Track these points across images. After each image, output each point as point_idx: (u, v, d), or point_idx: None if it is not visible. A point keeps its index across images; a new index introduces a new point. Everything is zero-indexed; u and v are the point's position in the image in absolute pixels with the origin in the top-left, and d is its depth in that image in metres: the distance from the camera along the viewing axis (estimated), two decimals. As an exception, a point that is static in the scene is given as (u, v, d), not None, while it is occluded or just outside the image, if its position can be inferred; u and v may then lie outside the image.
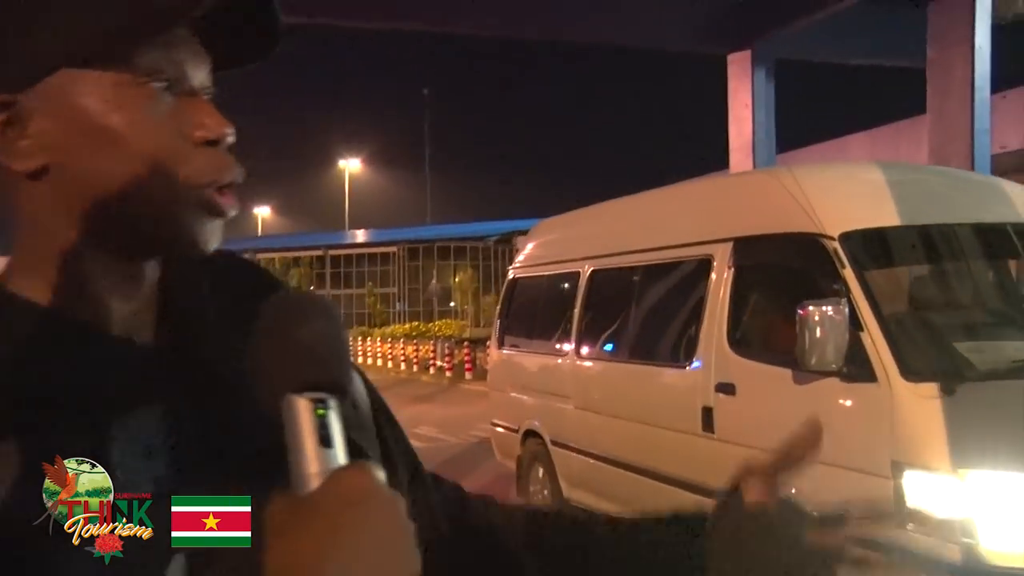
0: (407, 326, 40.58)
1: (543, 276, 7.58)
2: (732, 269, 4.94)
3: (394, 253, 59.43)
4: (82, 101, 0.70)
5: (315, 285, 57.02)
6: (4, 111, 0.71)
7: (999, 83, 11.40)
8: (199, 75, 0.75)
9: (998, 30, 10.26)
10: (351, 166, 76.54)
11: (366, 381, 0.96)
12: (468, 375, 23.34)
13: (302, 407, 0.64)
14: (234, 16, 0.75)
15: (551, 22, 11.67)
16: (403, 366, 28.96)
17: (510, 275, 8.15)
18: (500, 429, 7.94)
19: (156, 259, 0.78)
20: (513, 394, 7.62)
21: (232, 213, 0.76)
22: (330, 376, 0.66)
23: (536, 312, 7.56)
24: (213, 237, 0.76)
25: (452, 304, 53.44)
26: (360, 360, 33.80)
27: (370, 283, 56.60)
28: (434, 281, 54.16)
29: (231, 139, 0.75)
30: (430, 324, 40.34)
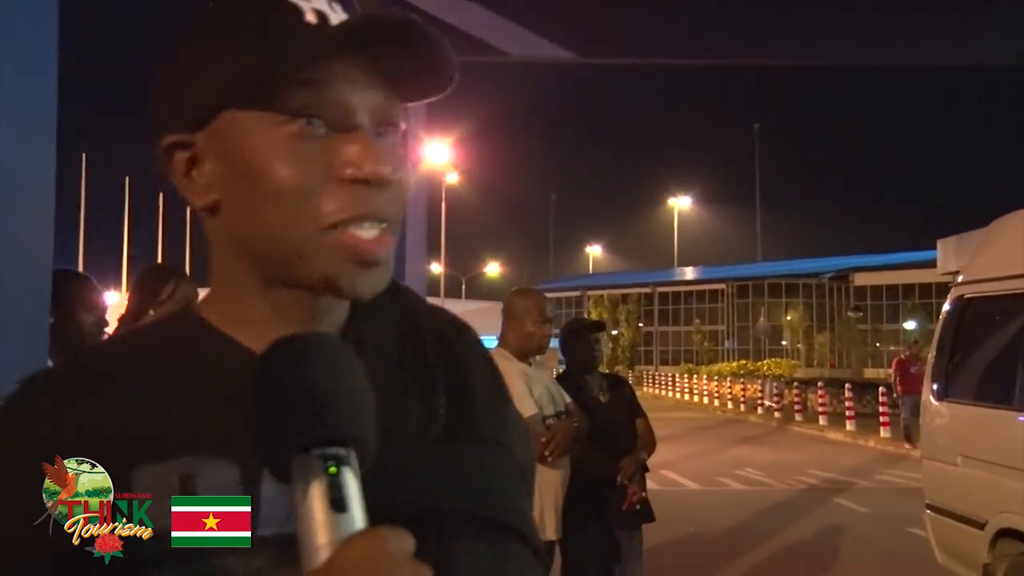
0: (735, 364, 39.73)
1: None
2: None
3: (723, 290, 58.53)
4: (238, 140, 0.72)
5: (643, 322, 57.65)
6: (187, 150, 0.76)
7: None
8: (363, 112, 0.73)
9: None
10: (680, 204, 76.84)
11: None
12: (798, 417, 22.33)
13: (309, 466, 0.56)
14: (397, 50, 0.72)
15: (896, 48, 10.98)
16: (730, 405, 28.35)
17: (953, 295, 5.75)
18: (944, 517, 5.43)
19: (321, 298, 0.76)
20: (969, 469, 5.18)
21: (375, 259, 0.73)
22: (340, 427, 0.58)
23: (1016, 349, 5.17)
24: (360, 284, 0.73)
25: (783, 343, 51.53)
26: (686, 398, 33.61)
27: (697, 320, 56.13)
28: (763, 319, 52.55)
29: (385, 178, 0.72)
30: (758, 363, 39.19)
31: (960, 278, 5.77)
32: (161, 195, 36.51)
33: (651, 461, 4.36)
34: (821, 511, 9.88)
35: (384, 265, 0.74)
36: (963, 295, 5.61)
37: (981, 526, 4.94)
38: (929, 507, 5.59)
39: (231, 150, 0.73)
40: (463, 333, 0.90)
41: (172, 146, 0.76)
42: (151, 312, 3.63)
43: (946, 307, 5.81)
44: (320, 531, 0.55)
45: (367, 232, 0.72)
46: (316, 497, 0.55)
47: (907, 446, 15.54)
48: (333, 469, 0.56)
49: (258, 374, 0.60)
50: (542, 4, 10.57)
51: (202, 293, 0.85)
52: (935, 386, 5.63)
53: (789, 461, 14.30)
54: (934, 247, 25.66)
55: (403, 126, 0.77)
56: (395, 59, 0.72)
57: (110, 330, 3.29)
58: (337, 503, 0.55)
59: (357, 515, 0.56)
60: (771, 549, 8.01)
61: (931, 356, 5.78)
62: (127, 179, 36.16)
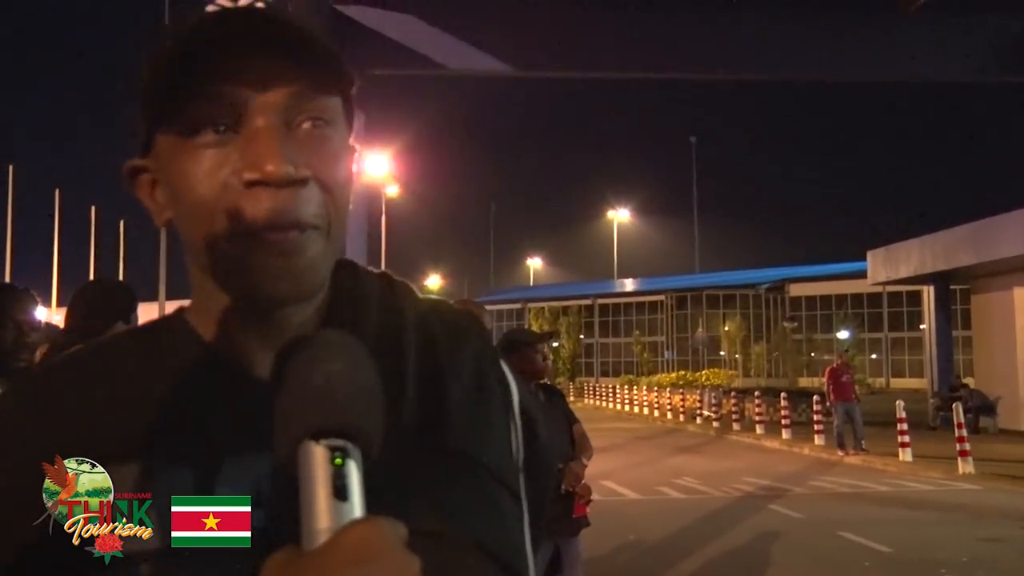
0: (674, 375, 40.14)
1: None
2: None
3: (662, 302, 59.13)
4: (166, 160, 0.74)
5: (583, 334, 57.96)
6: (147, 173, 0.78)
7: None
8: (265, 110, 0.71)
9: None
10: (620, 216, 77.60)
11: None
12: (736, 426, 22.65)
13: (317, 455, 0.59)
14: (253, 44, 0.71)
15: (826, 64, 11.28)
16: (669, 415, 28.62)
17: None
18: None
19: (282, 305, 0.75)
20: None
21: (295, 254, 0.71)
22: (349, 421, 0.60)
23: None
24: (271, 289, 0.72)
25: (721, 353, 52.26)
26: (627, 409, 33.87)
27: (637, 332, 56.57)
28: (701, 330, 53.25)
29: (286, 176, 0.70)
30: (697, 373, 39.68)
31: None
32: (93, 208, 35.78)
33: (590, 471, 4.46)
34: (757, 518, 10.05)
35: (302, 269, 0.72)
36: None
37: None
38: None
39: (165, 170, 0.75)
40: (457, 334, 0.86)
41: (135, 170, 0.79)
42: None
43: None
44: (322, 516, 0.58)
45: (273, 235, 0.70)
46: (321, 484, 0.58)
47: (839, 453, 15.93)
48: (339, 460, 0.59)
49: (279, 365, 0.63)
50: (480, 18, 10.65)
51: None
52: None
53: (727, 469, 14.49)
54: (864, 258, 26.29)
55: (337, 119, 0.76)
56: (261, 53, 0.71)
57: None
58: (340, 491, 0.58)
59: (357, 505, 0.59)
60: (708, 555, 8.13)
61: None
62: (57, 191, 35.43)
